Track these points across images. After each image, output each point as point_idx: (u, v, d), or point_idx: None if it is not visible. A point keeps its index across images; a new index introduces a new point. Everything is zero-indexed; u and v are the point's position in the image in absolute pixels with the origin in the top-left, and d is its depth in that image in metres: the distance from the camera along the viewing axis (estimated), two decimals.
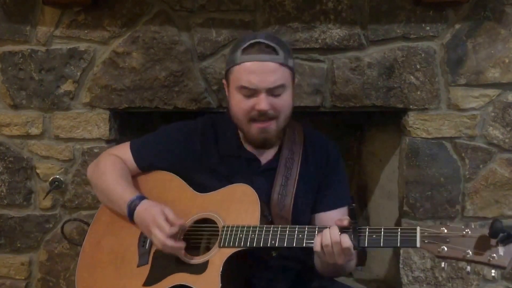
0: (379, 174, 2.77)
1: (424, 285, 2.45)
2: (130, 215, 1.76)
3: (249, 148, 1.83)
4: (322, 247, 1.53)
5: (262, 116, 1.70)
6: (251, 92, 1.68)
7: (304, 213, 1.81)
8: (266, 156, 1.84)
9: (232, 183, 1.76)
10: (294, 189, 1.79)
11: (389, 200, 2.65)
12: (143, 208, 1.74)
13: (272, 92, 1.69)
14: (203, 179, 1.82)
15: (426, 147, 2.41)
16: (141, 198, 1.77)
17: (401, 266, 2.46)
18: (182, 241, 1.68)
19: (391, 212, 2.62)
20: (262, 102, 1.67)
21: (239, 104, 1.72)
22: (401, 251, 2.45)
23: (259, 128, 1.72)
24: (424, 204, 2.43)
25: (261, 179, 1.80)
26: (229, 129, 1.86)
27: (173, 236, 1.66)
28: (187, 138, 1.88)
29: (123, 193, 1.80)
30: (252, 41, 1.70)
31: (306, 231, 1.58)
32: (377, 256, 2.79)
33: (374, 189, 2.83)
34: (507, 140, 2.42)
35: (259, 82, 1.67)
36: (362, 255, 2.82)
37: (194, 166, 1.85)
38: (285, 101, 1.73)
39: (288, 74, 1.73)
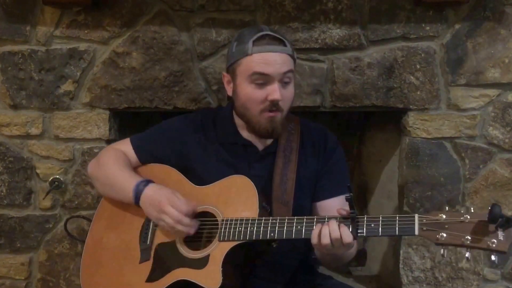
0: (379, 174, 2.77)
1: (424, 285, 2.45)
2: (137, 198, 1.76)
3: (245, 135, 1.86)
4: (320, 240, 1.53)
5: (274, 106, 1.73)
6: (264, 80, 1.72)
7: (306, 198, 1.83)
8: (262, 144, 1.86)
9: (232, 169, 1.78)
10: (295, 174, 1.80)
11: (389, 200, 2.65)
12: (152, 190, 1.74)
13: (283, 79, 1.73)
14: (204, 169, 1.83)
15: (426, 147, 2.41)
16: (148, 181, 1.78)
17: (401, 266, 2.46)
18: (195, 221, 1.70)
19: (391, 212, 2.62)
20: (276, 92, 1.71)
21: (251, 95, 1.74)
22: (401, 251, 2.45)
23: (269, 117, 1.75)
24: (424, 204, 2.43)
25: (259, 165, 1.82)
26: (226, 119, 1.89)
27: (189, 216, 1.68)
28: (188, 130, 1.90)
29: (128, 178, 1.81)
30: (261, 34, 1.75)
31: (304, 222, 1.59)
32: (377, 256, 2.79)
33: (374, 189, 2.83)
34: (507, 140, 2.42)
35: (273, 70, 1.71)
36: (362, 255, 2.85)
37: (195, 156, 1.86)
38: (291, 92, 1.79)
39: (293, 65, 1.80)
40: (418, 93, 2.38)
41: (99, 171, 1.92)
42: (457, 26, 2.36)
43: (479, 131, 2.42)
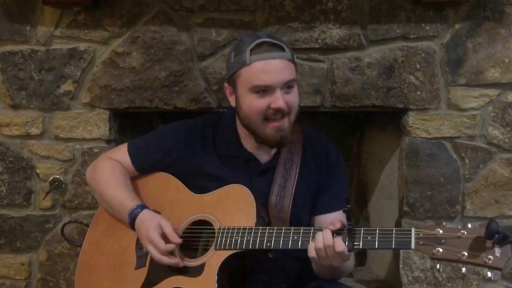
0: (379, 174, 2.77)
1: (424, 285, 2.45)
2: (132, 224, 1.75)
3: (248, 148, 1.82)
4: (315, 251, 1.52)
5: (278, 114, 1.69)
6: (265, 89, 1.68)
7: (303, 215, 1.80)
8: (265, 157, 1.82)
9: (231, 184, 1.75)
10: (293, 191, 1.78)
11: (389, 200, 2.65)
12: (142, 220, 1.73)
13: (286, 86, 1.69)
14: (202, 180, 1.80)
15: (426, 147, 2.41)
16: (142, 207, 1.76)
17: (401, 266, 2.46)
18: (176, 258, 1.67)
19: (391, 212, 2.62)
20: (279, 100, 1.67)
21: (253, 105, 1.70)
22: (401, 251, 2.45)
23: (275, 127, 1.71)
24: (424, 204, 2.43)
25: (260, 180, 1.79)
26: (228, 129, 1.85)
27: (169, 252, 1.66)
28: (186, 139, 1.86)
29: (123, 201, 1.79)
30: (258, 41, 1.69)
31: (301, 233, 1.57)
32: (377, 256, 2.79)
33: (374, 189, 2.83)
34: (507, 140, 2.42)
35: (273, 79, 1.67)
36: (362, 255, 2.84)
37: (192, 167, 1.83)
38: (295, 96, 1.74)
39: (295, 70, 1.75)
40: (418, 93, 2.38)
41: (97, 186, 1.90)
42: (457, 26, 2.36)
43: (479, 131, 2.42)
